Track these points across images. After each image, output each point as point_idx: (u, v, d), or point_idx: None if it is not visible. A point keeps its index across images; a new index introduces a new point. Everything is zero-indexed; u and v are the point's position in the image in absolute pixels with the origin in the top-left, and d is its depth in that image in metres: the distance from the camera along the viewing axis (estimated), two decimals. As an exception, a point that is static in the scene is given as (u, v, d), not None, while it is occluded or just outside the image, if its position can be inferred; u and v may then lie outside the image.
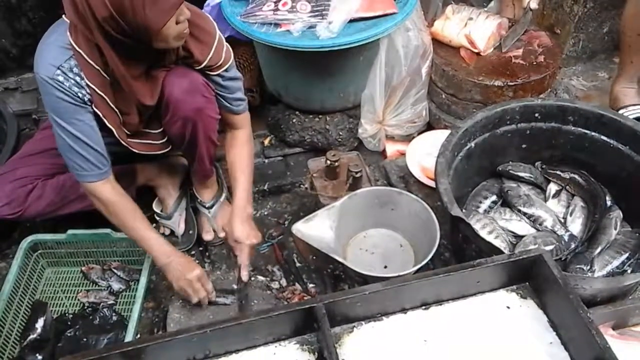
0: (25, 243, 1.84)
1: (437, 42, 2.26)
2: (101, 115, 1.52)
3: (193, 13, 1.47)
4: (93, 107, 1.49)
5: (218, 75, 1.62)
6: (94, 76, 1.44)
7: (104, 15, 1.31)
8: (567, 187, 1.88)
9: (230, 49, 1.63)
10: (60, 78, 1.42)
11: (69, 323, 1.76)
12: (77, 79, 1.43)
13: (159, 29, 1.35)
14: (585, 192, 1.83)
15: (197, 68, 1.58)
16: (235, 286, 1.78)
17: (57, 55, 1.41)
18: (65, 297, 1.88)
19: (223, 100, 1.68)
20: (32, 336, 1.70)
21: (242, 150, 1.76)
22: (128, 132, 1.64)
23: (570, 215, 1.81)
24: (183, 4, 1.37)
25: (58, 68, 1.41)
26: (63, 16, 1.44)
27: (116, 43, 1.39)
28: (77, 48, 1.40)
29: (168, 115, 1.63)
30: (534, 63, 2.18)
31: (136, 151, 1.69)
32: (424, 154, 2.12)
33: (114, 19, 1.31)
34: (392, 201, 1.78)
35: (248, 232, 1.69)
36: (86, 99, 1.47)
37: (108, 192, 1.58)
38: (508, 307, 1.20)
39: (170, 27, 1.37)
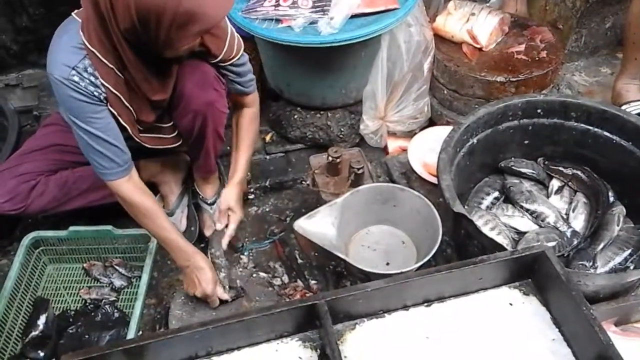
0: (26, 240, 1.84)
1: (439, 37, 2.26)
2: (116, 114, 1.51)
3: None
4: (108, 106, 1.49)
5: (231, 64, 1.63)
6: (108, 75, 1.43)
7: (127, 26, 1.31)
8: (570, 183, 1.87)
9: (240, 39, 1.64)
10: (76, 78, 1.40)
11: (71, 320, 1.76)
12: (92, 78, 1.42)
13: (177, 49, 1.35)
14: (588, 188, 1.83)
15: (212, 62, 1.58)
16: (238, 282, 1.80)
17: (71, 55, 1.40)
18: (67, 293, 1.88)
19: (236, 85, 1.70)
20: (34, 333, 1.70)
21: (249, 128, 1.78)
22: (140, 128, 1.64)
23: (573, 211, 1.81)
24: None
25: (73, 69, 1.40)
26: (73, 14, 1.44)
27: (132, 46, 1.39)
28: (91, 47, 1.39)
29: (179, 108, 1.63)
30: (537, 59, 2.18)
31: (148, 146, 1.69)
32: (425, 150, 2.11)
33: (136, 30, 1.31)
34: (394, 198, 1.78)
35: (241, 205, 1.73)
36: (102, 97, 1.46)
37: (129, 191, 1.58)
38: (511, 304, 1.20)
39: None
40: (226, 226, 1.77)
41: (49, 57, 1.43)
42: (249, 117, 1.78)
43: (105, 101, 1.47)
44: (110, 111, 1.50)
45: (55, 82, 1.41)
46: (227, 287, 1.71)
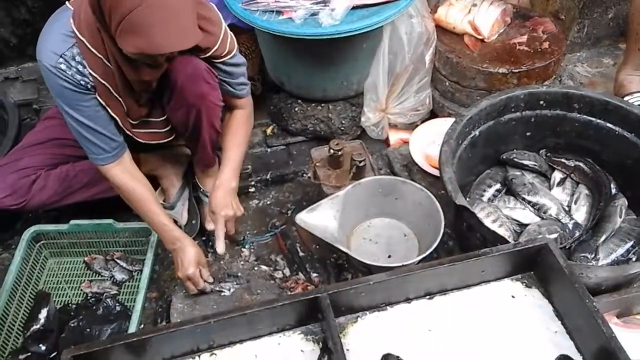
0: (27, 234, 1.84)
1: (440, 29, 2.24)
2: (104, 105, 1.52)
3: (199, 4, 1.46)
4: (97, 95, 1.49)
5: (222, 62, 1.62)
6: (96, 65, 1.44)
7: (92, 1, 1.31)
8: (572, 175, 1.86)
9: (234, 37, 1.63)
10: (63, 66, 1.41)
11: (72, 313, 1.76)
12: (80, 67, 1.43)
13: (124, 49, 1.32)
14: (590, 180, 1.82)
15: (202, 57, 1.57)
16: (239, 274, 1.82)
17: (60, 43, 1.41)
18: (69, 287, 1.88)
19: (227, 86, 1.68)
20: (35, 327, 1.70)
21: (238, 128, 1.77)
22: (133, 122, 1.63)
23: (575, 203, 1.80)
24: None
25: (61, 56, 1.41)
26: (67, 3, 1.44)
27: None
28: (80, 36, 1.40)
29: (172, 101, 1.63)
30: (539, 50, 2.16)
31: (141, 141, 1.69)
32: (427, 143, 2.10)
33: (95, 7, 1.32)
34: (396, 190, 1.77)
35: (225, 204, 1.69)
36: (89, 86, 1.47)
37: (118, 175, 1.61)
38: (513, 297, 1.20)
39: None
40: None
41: (39, 43, 1.43)
42: (239, 120, 1.77)
43: (92, 90, 1.48)
44: (99, 101, 1.51)
45: (44, 69, 1.43)
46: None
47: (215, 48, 1.55)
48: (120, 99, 1.54)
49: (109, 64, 1.45)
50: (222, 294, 1.75)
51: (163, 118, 1.70)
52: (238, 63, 1.67)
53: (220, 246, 1.70)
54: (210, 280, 1.73)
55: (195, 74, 1.56)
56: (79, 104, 1.48)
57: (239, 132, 1.77)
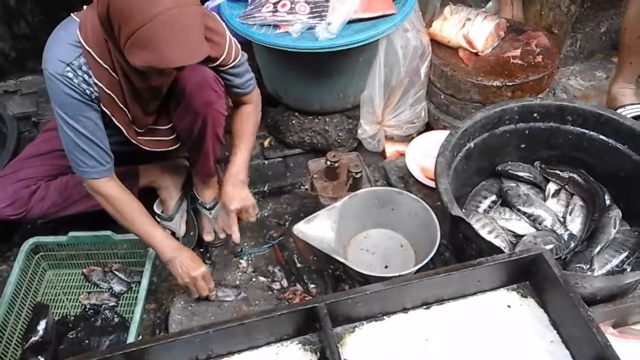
0: (26, 245, 1.84)
1: (435, 42, 2.27)
2: (109, 114, 1.53)
3: (204, 15, 1.48)
4: (101, 105, 1.51)
5: (230, 67, 1.65)
6: (102, 75, 1.46)
7: (101, 12, 1.32)
8: (566, 186, 1.88)
9: (238, 44, 1.65)
10: (70, 75, 1.43)
11: (71, 325, 1.76)
12: (86, 76, 1.45)
13: (132, 62, 1.32)
14: (585, 192, 1.84)
15: (210, 66, 1.60)
16: (237, 282, 1.85)
17: (67, 52, 1.42)
18: (67, 299, 1.88)
19: (236, 88, 1.71)
20: (33, 338, 1.70)
21: (247, 121, 1.79)
22: (138, 130, 1.65)
23: (570, 214, 1.82)
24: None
25: (68, 65, 1.42)
26: (72, 14, 1.46)
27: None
28: (87, 47, 1.42)
29: (178, 109, 1.65)
30: (532, 63, 2.19)
31: (147, 149, 1.71)
32: (423, 155, 2.12)
33: (105, 20, 1.33)
34: (393, 201, 1.79)
35: (234, 197, 1.73)
36: (93, 97, 1.48)
37: (111, 188, 1.61)
38: (509, 306, 1.21)
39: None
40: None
41: (45, 52, 1.44)
42: (246, 113, 1.79)
43: (96, 101, 1.49)
44: (104, 111, 1.52)
45: (49, 77, 1.43)
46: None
47: (222, 57, 1.58)
48: (125, 109, 1.55)
49: (115, 75, 1.47)
50: (227, 298, 1.78)
51: (169, 126, 1.72)
52: (242, 62, 1.69)
53: (236, 236, 1.75)
54: (213, 285, 1.76)
55: (204, 82, 1.59)
56: (81, 114, 1.48)
57: (247, 125, 1.79)
